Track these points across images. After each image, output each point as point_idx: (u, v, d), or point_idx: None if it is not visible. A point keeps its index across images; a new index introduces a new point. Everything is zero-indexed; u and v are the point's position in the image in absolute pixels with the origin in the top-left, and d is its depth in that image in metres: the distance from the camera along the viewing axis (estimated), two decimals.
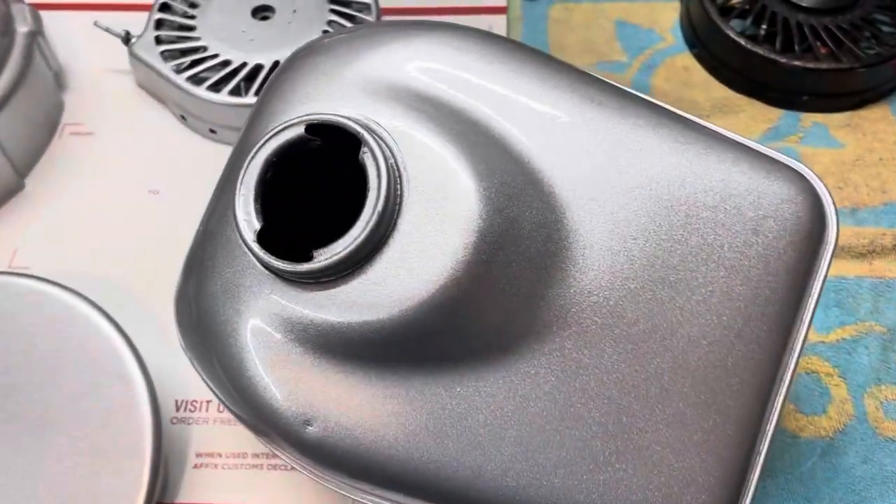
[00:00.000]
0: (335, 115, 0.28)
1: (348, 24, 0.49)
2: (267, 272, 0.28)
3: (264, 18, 0.49)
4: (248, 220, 0.27)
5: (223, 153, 0.50)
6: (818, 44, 0.48)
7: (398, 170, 0.27)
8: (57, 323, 0.37)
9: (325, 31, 0.48)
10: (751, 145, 0.30)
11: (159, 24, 0.49)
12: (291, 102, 0.30)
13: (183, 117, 0.49)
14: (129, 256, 0.45)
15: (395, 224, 0.27)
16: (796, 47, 0.48)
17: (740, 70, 0.49)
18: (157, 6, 0.50)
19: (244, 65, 0.47)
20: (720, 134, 0.30)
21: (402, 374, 0.27)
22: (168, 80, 0.47)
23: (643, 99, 0.30)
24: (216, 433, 0.40)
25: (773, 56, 0.48)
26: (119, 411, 0.36)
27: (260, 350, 0.28)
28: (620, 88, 0.31)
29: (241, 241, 0.28)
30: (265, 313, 0.28)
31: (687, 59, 0.52)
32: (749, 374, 0.27)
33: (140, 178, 0.47)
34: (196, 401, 0.40)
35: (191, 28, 0.49)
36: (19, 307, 0.37)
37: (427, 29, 0.30)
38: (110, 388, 0.36)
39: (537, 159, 0.28)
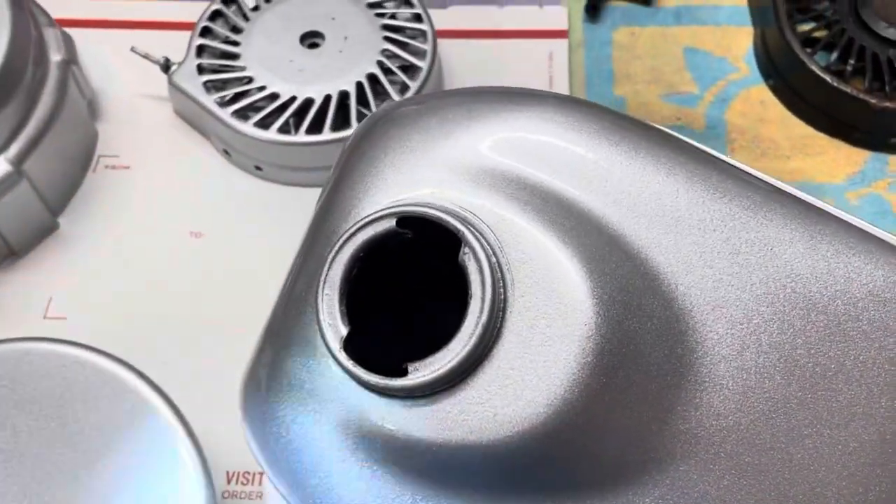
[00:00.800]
0: (431, 206, 0.25)
1: (402, 53, 0.45)
2: (351, 379, 0.25)
3: (313, 46, 0.46)
4: (332, 324, 0.25)
5: (269, 191, 0.48)
6: None
7: (502, 273, 0.24)
8: (102, 397, 0.34)
9: (380, 62, 0.45)
10: (886, 237, 0.27)
11: (200, 51, 0.46)
12: (375, 183, 0.27)
13: (226, 152, 0.46)
14: (170, 305, 0.42)
15: (499, 335, 0.24)
16: (887, 86, 0.45)
17: (824, 108, 0.46)
18: (198, 30, 0.46)
19: (293, 99, 0.44)
20: (853, 224, 0.27)
21: None
22: (211, 113, 0.44)
23: (766, 182, 0.27)
24: None
25: (862, 96, 0.44)
26: (170, 492, 0.34)
27: (337, 462, 0.25)
28: (739, 169, 0.28)
29: (325, 346, 0.25)
30: (346, 423, 0.25)
31: (763, 93, 0.48)
32: None
33: (181, 218, 0.44)
34: (249, 473, 0.38)
35: (235, 56, 0.46)
36: (62, 379, 0.34)
37: (528, 102, 0.27)
38: (160, 467, 0.34)
39: (657, 259, 0.25)
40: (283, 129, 0.43)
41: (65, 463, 0.33)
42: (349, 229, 0.25)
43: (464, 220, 0.25)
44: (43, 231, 0.44)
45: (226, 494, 0.37)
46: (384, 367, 0.24)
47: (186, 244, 0.44)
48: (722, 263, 0.25)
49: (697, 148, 0.28)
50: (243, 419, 0.28)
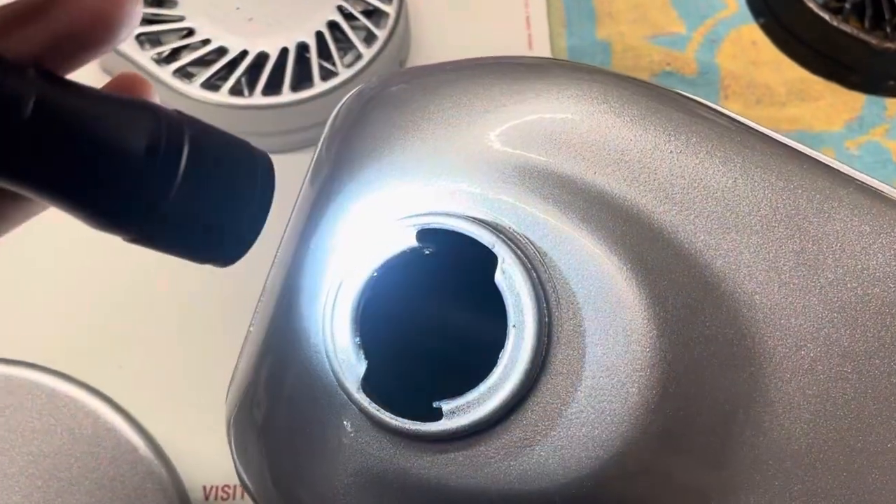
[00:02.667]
0: (455, 215, 0.21)
1: None
2: (370, 423, 0.21)
3: None
4: (346, 360, 0.21)
5: None
6: None
7: (545, 292, 0.21)
8: (58, 422, 0.29)
9: (340, 7, 0.39)
10: None
11: None
12: (380, 182, 0.23)
13: None
14: (120, 305, 0.37)
15: (545, 366, 0.21)
16: (887, 25, 0.42)
17: (819, 48, 0.43)
18: None
19: (244, 54, 0.38)
20: None
21: None
22: (148, 73, 0.38)
23: (813, 159, 0.24)
24: None
25: (862, 36, 0.41)
26: None
27: None
28: (784, 144, 0.24)
29: (338, 386, 0.21)
30: (365, 475, 0.21)
31: (754, 32, 0.45)
32: None
33: None
34: (228, 486, 0.34)
35: (170, 3, 0.39)
36: (9, 404, 0.29)
37: (552, 77, 0.23)
38: (127, 490, 0.30)
39: (717, 266, 0.22)
40: (236, 90, 0.38)
41: (20, 500, 0.29)
42: (355, 245, 0.21)
43: (495, 229, 0.21)
44: None
45: None
46: (409, 407, 0.21)
47: None
48: (787, 265, 0.22)
49: (744, 124, 0.24)
50: (234, 455, 0.25)
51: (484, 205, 0.21)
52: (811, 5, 0.42)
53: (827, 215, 0.22)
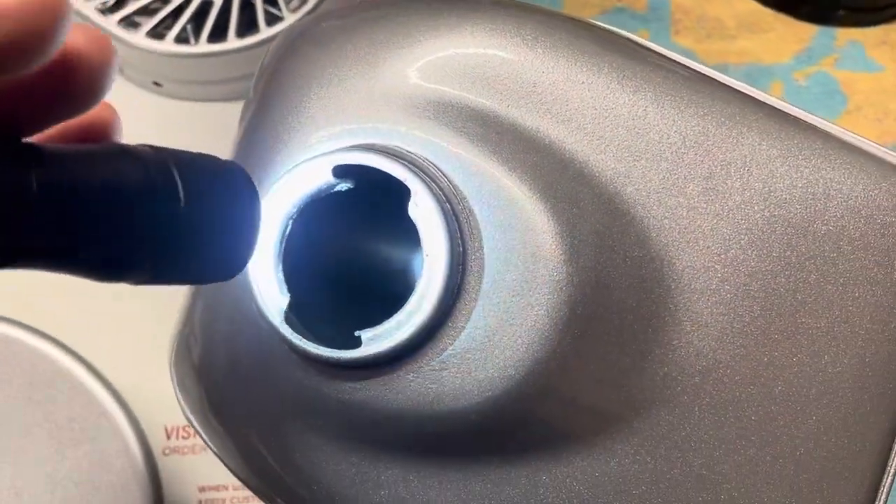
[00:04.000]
0: (370, 149, 0.21)
1: None
2: (294, 355, 0.22)
3: None
4: (270, 293, 0.21)
5: (172, 109, 0.42)
6: None
7: (459, 222, 0.21)
8: (11, 369, 0.30)
9: None
10: (864, 145, 0.25)
11: None
12: (300, 119, 0.23)
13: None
14: None
15: (460, 292, 0.21)
16: None
17: None
18: None
19: (189, 1, 0.38)
20: (831, 134, 0.24)
21: (476, 469, 0.23)
22: (91, 22, 0.38)
23: (735, 90, 0.25)
24: (220, 462, 0.35)
25: None
26: (100, 458, 0.31)
27: (291, 445, 0.23)
28: (704, 75, 0.25)
29: (262, 318, 0.22)
30: (294, 401, 0.22)
31: None
32: (866, 457, 0.23)
33: None
34: (189, 426, 0.35)
35: None
36: None
37: (468, 13, 0.23)
38: (85, 434, 0.31)
39: (627, 192, 0.22)
40: (181, 38, 0.38)
41: None
42: (277, 182, 0.21)
43: (410, 164, 0.21)
44: None
45: (167, 451, 0.35)
46: (332, 338, 0.22)
47: None
48: (696, 190, 0.23)
49: (661, 55, 0.25)
50: (177, 393, 0.26)
51: (399, 139, 0.22)
52: None
53: (735, 140, 0.23)
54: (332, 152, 0.21)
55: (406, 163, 0.21)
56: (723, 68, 0.44)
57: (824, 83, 0.43)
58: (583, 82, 0.23)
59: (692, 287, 0.23)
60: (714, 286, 0.23)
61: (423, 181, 0.21)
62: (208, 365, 0.24)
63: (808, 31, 0.45)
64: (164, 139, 0.43)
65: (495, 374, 0.21)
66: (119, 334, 0.36)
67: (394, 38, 0.23)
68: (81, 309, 0.36)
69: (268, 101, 0.24)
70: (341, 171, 0.21)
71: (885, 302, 0.23)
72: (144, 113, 0.40)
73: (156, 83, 0.40)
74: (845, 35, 0.44)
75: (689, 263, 0.23)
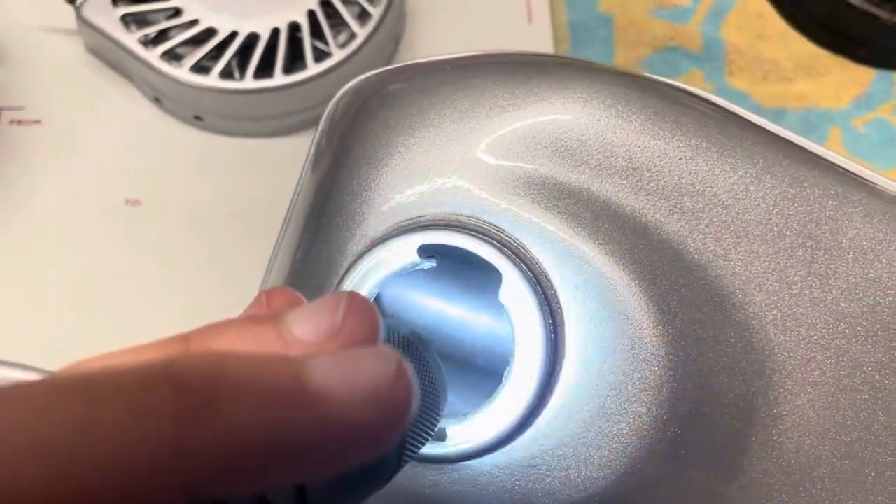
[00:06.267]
0: (458, 227, 0.20)
1: None
2: None
3: None
4: None
5: (214, 145, 0.41)
6: None
7: (552, 310, 0.20)
8: None
9: None
10: None
11: None
12: (380, 187, 0.22)
13: (157, 99, 0.39)
14: (106, 291, 0.36)
15: (551, 385, 0.20)
16: None
17: (827, 22, 0.42)
18: None
19: (234, 35, 0.37)
20: None
21: None
22: (135, 55, 0.37)
23: (825, 160, 0.23)
24: None
25: (871, 10, 0.40)
26: None
27: None
28: (795, 144, 0.23)
29: None
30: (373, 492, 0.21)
31: (761, 4, 0.43)
32: None
33: (111, 183, 0.38)
34: None
35: None
36: None
37: (555, 78, 0.22)
38: None
39: (726, 277, 0.21)
40: (226, 73, 0.37)
41: None
42: (359, 257, 0.20)
43: (499, 243, 0.20)
44: None
45: None
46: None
47: (121, 213, 0.37)
48: (798, 276, 0.21)
49: (754, 124, 0.23)
50: None
51: (487, 215, 0.21)
52: None
53: (839, 223, 0.22)
54: (418, 230, 0.20)
55: (495, 242, 0.20)
56: (780, 112, 0.43)
57: (883, 130, 0.42)
58: (680, 158, 0.21)
59: (793, 379, 0.21)
60: (816, 378, 0.21)
61: (515, 264, 0.20)
62: None
63: (866, 76, 0.44)
64: (203, 173, 0.42)
65: (588, 475, 0.20)
66: None
67: (478, 105, 0.22)
68: (101, 343, 0.35)
69: (344, 160, 0.23)
70: (427, 251, 0.20)
71: None
72: (183, 146, 0.39)
73: (197, 117, 0.39)
74: None
75: (790, 354, 0.21)
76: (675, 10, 0.43)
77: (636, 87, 0.22)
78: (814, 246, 0.21)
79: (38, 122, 0.39)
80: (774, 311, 0.21)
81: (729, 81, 0.42)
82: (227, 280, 0.33)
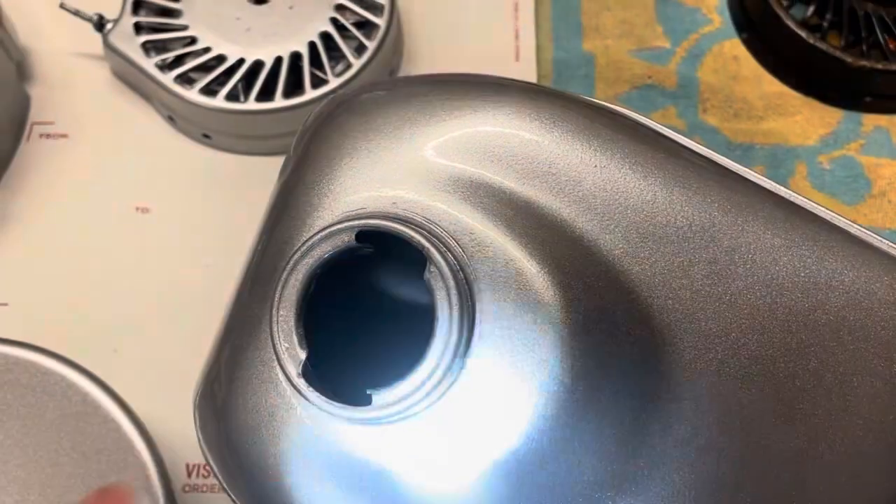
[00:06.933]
0: (393, 218, 0.23)
1: (357, 8, 0.42)
2: (312, 406, 0.24)
3: (260, 1, 0.43)
4: (289, 348, 0.23)
5: (220, 161, 0.45)
6: (887, 38, 0.43)
7: (471, 291, 0.23)
8: (47, 399, 0.32)
9: (333, 19, 0.41)
10: (867, 238, 0.25)
11: (137, 7, 0.42)
12: (331, 184, 0.25)
13: (171, 118, 0.43)
14: (117, 288, 0.40)
15: (466, 357, 0.23)
16: (863, 43, 0.43)
17: (799, 65, 0.44)
18: None
19: (241, 62, 0.41)
20: (835, 225, 0.25)
21: None
22: (153, 78, 0.41)
23: (745, 178, 0.26)
24: None
25: (838, 54, 0.42)
26: (126, 484, 0.33)
27: (302, 492, 0.24)
28: (716, 164, 0.26)
29: (281, 372, 0.23)
30: (309, 449, 0.24)
31: (736, 47, 0.46)
32: None
33: (125, 192, 0.42)
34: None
35: (175, 13, 0.42)
36: (3, 382, 0.32)
37: (495, 96, 0.25)
38: (111, 467, 0.32)
39: (633, 272, 0.24)
40: (232, 96, 0.40)
41: (10, 470, 0.32)
42: (304, 243, 0.23)
43: (429, 234, 0.23)
44: None
45: (186, 488, 0.36)
46: (348, 392, 0.23)
47: (132, 220, 0.41)
48: (700, 274, 0.24)
49: (675, 142, 0.26)
50: (198, 434, 0.27)
51: (420, 210, 0.24)
52: (790, 23, 0.44)
53: (741, 228, 0.24)
54: (357, 218, 0.23)
55: (424, 232, 0.23)
56: (748, 148, 0.45)
57: (849, 167, 0.44)
58: (595, 165, 0.24)
59: (693, 367, 0.23)
60: (714, 368, 0.24)
61: (439, 250, 0.22)
62: (231, 408, 0.25)
63: (834, 116, 0.46)
64: (208, 186, 0.46)
65: (492, 440, 0.22)
66: (149, 368, 0.38)
67: (420, 115, 0.25)
68: (113, 343, 0.38)
69: (305, 162, 0.26)
70: (363, 236, 0.23)
71: (884, 394, 0.24)
72: (192, 162, 0.43)
73: (205, 135, 0.42)
74: (872, 121, 0.45)
75: (690, 343, 0.23)
76: (656, 52, 0.46)
77: (564, 103, 0.25)
78: (716, 248, 0.24)
79: (64, 136, 0.43)
80: (677, 304, 0.24)
81: (702, 118, 0.44)
82: (224, 281, 0.36)
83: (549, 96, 0.25)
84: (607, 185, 0.24)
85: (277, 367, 0.23)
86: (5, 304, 0.39)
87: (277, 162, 0.44)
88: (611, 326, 0.23)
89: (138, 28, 0.42)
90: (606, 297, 0.23)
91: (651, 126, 0.26)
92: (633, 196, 0.24)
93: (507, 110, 0.24)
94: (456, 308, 0.22)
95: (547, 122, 0.24)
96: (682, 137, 0.27)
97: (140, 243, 0.41)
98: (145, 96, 0.43)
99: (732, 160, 0.26)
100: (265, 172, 0.45)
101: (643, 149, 0.25)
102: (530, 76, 0.45)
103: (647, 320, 0.23)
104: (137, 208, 0.41)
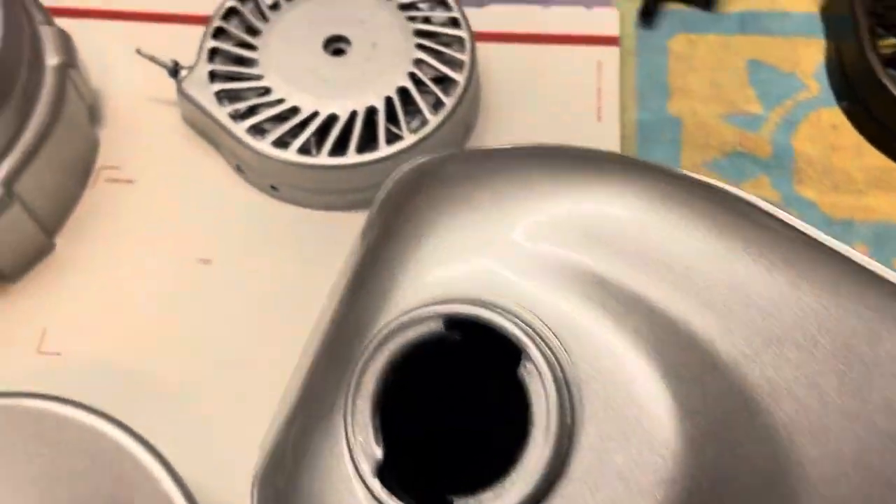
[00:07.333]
0: (486, 306, 0.21)
1: (436, 63, 0.40)
2: None
3: (337, 52, 0.41)
4: (364, 443, 0.21)
5: (286, 214, 0.43)
6: None
7: (570, 394, 0.20)
8: (97, 464, 0.30)
9: (412, 73, 0.40)
10: None
11: (213, 55, 0.41)
12: (416, 260, 0.23)
13: (239, 168, 0.41)
14: (176, 341, 0.38)
15: (563, 470, 0.20)
16: None
17: None
18: (210, 31, 0.41)
19: (315, 115, 0.39)
20: None
21: None
22: (224, 127, 0.40)
23: (869, 270, 0.23)
24: None
25: None
26: None
27: None
28: (837, 252, 0.23)
29: (352, 467, 0.21)
30: None
31: (835, 116, 0.43)
32: None
33: (188, 242, 0.40)
34: None
35: (251, 62, 0.41)
36: (52, 441, 0.31)
37: (599, 173, 0.23)
38: None
39: (756, 381, 0.21)
40: (304, 149, 0.39)
41: None
42: (385, 329, 0.21)
43: (525, 326, 0.20)
44: (37, 253, 0.40)
45: None
46: (423, 495, 0.21)
47: (193, 271, 0.40)
48: (831, 385, 0.21)
49: (798, 230, 0.23)
50: None
51: (517, 296, 0.21)
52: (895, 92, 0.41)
53: (878, 336, 0.21)
54: (445, 302, 0.21)
55: (522, 323, 0.20)
56: (848, 224, 0.42)
57: None
58: (714, 256, 0.22)
59: (822, 493, 0.20)
60: (844, 492, 0.21)
61: (536, 343, 0.20)
62: (293, 495, 0.23)
63: None
64: (273, 240, 0.44)
65: None
66: (201, 429, 0.36)
67: (515, 189, 0.23)
68: (164, 399, 0.37)
69: (390, 232, 0.24)
70: (452, 323, 0.21)
71: None
72: (258, 214, 0.41)
73: (273, 187, 0.41)
74: None
75: (818, 466, 0.21)
76: (747, 118, 0.44)
77: (675, 183, 0.23)
78: (849, 357, 0.21)
79: (130, 181, 0.42)
80: (804, 420, 0.21)
81: (797, 190, 0.42)
82: (283, 341, 0.34)
83: (660, 173, 0.23)
84: (727, 279, 0.21)
85: (349, 461, 0.21)
86: (58, 354, 0.38)
87: (347, 217, 0.43)
88: (730, 442, 0.20)
89: (213, 76, 0.41)
90: (726, 409, 0.20)
91: (771, 211, 0.23)
92: (756, 293, 0.21)
93: (616, 189, 0.22)
94: (555, 413, 0.19)
95: (660, 204, 0.22)
96: (803, 224, 0.24)
97: (200, 296, 0.39)
98: (215, 144, 0.42)
99: (836, 239, 0.23)
100: (333, 227, 0.44)
101: (767, 238, 0.22)
102: (613, 137, 0.43)
103: (771, 435, 0.20)
104: (199, 259, 0.40)
